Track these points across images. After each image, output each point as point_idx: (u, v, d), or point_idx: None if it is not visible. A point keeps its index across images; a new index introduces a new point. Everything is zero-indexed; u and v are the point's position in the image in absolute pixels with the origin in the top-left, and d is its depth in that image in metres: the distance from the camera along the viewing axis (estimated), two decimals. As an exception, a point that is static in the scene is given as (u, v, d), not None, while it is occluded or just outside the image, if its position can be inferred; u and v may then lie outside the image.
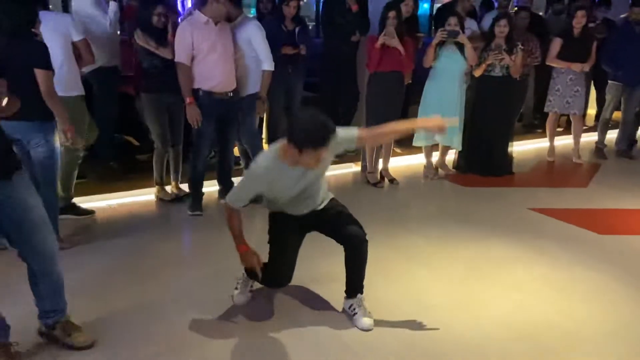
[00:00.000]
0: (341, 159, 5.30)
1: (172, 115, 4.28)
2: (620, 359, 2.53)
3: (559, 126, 6.28)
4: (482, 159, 5.30)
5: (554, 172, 5.75)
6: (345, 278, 2.78)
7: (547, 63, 5.65)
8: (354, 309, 2.75)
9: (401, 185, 5.12)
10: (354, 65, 5.62)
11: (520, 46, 5.05)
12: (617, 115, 6.15)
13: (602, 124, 6.17)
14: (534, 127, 6.91)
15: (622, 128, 6.13)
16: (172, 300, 2.96)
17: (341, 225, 2.72)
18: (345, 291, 2.79)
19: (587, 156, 6.08)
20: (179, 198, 4.47)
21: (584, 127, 6.20)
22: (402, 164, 5.73)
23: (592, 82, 6.65)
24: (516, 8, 6.61)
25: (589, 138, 6.41)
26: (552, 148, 6.02)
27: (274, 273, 2.77)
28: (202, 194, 4.31)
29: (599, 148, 6.16)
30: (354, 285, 2.77)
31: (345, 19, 5.40)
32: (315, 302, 2.96)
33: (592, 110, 7.13)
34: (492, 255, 3.61)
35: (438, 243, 3.78)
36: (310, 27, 6.45)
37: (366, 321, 2.71)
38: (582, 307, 2.96)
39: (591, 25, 5.89)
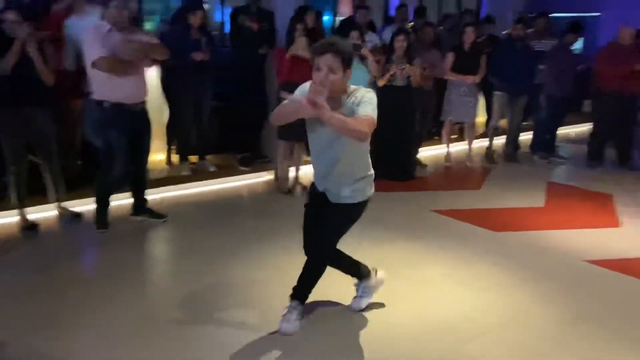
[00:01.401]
0: (252, 168, 5.34)
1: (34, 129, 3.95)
2: (521, 342, 2.79)
3: (453, 133, 6.78)
4: (389, 165, 5.58)
5: (451, 176, 6.19)
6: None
7: (442, 76, 6.10)
8: (287, 311, 2.81)
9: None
10: (262, 76, 5.68)
11: (417, 59, 5.43)
12: (504, 122, 6.77)
13: (491, 131, 6.75)
14: (432, 134, 7.39)
15: (508, 134, 6.76)
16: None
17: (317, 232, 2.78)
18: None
19: (480, 161, 6.62)
20: (74, 216, 4.22)
21: (476, 134, 6.76)
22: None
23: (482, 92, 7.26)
24: (412, 23, 7.07)
25: (481, 144, 6.98)
26: (448, 154, 6.50)
27: (304, 244, 2.85)
28: (108, 209, 4.12)
29: (489, 153, 6.73)
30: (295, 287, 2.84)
31: (252, 33, 5.45)
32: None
33: (482, 118, 7.77)
34: (401, 255, 3.82)
35: (351, 246, 3.92)
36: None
37: (286, 326, 2.77)
38: (484, 298, 3.23)
39: (479, 40, 6.44)
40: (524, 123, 6.96)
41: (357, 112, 2.42)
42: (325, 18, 8.30)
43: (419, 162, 6.35)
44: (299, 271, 2.82)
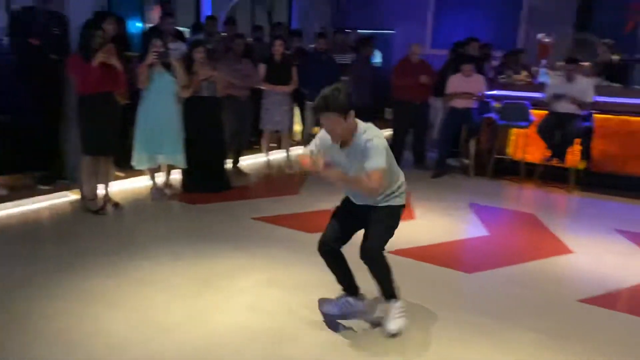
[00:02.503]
0: (54, 187, 4.83)
1: None
2: (337, 337, 2.96)
3: (273, 142, 6.98)
4: (203, 177, 5.50)
5: (271, 183, 6.36)
6: None
7: (256, 86, 6.24)
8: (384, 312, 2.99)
9: (127, 210, 4.93)
10: (56, 86, 5.14)
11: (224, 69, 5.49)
12: (317, 130, 7.16)
13: (305, 139, 7.10)
14: (252, 143, 7.51)
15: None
16: None
17: (365, 237, 2.94)
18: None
19: (298, 167, 6.90)
20: None
21: (293, 142, 7.05)
22: (126, 187, 5.53)
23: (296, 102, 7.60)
24: (224, 34, 7.10)
25: (299, 151, 7.29)
26: (268, 161, 6.67)
27: (323, 235, 3.03)
28: None
29: (306, 159, 7.05)
30: (382, 291, 3.02)
31: (43, 39, 4.92)
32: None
33: (299, 127, 8.13)
34: (224, 266, 3.79)
35: (171, 263, 3.79)
36: None
37: (392, 326, 2.92)
38: (305, 298, 3.34)
39: (288, 52, 6.73)
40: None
41: (366, 165, 2.70)
42: (139, 25, 7.92)
43: (240, 171, 6.41)
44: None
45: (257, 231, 4.55)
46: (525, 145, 6.68)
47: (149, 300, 3.24)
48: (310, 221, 4.85)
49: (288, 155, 6.72)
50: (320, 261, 3.87)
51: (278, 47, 6.19)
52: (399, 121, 7.12)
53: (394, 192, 2.94)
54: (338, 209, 3.14)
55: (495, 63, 8.25)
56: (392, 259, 3.96)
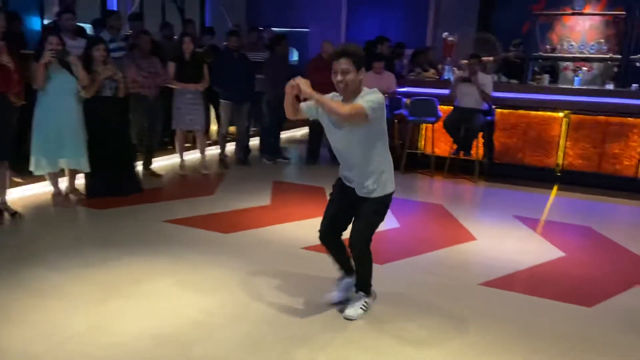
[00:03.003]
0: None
1: None
2: (247, 336, 2.94)
3: (187, 142, 6.81)
4: (110, 180, 5.27)
5: (186, 184, 6.20)
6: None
7: (165, 84, 6.06)
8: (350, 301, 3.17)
9: (27, 218, 4.64)
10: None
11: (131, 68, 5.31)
12: (233, 129, 7.09)
13: (220, 138, 7.00)
14: (165, 144, 7.29)
15: (238, 140, 7.10)
16: None
17: (353, 227, 3.03)
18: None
19: (214, 167, 6.80)
20: None
21: (208, 141, 6.92)
22: (26, 194, 5.20)
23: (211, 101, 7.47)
24: (129, 33, 6.84)
25: (215, 151, 7.19)
26: (182, 162, 6.50)
27: (320, 224, 3.12)
28: None
29: (222, 159, 6.97)
30: (357, 282, 3.18)
31: None
32: None
33: (214, 126, 8.00)
34: (131, 271, 3.65)
35: (74, 272, 3.59)
36: None
37: (351, 311, 3.10)
38: (212, 300, 3.31)
39: (199, 50, 6.59)
40: (253, 129, 7.43)
41: (354, 101, 2.83)
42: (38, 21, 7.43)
43: (152, 173, 6.20)
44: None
45: (168, 234, 4.43)
46: (435, 139, 6.99)
47: (49, 312, 3.06)
48: (225, 221, 4.79)
49: (203, 156, 6.59)
50: (230, 262, 3.87)
51: (187, 45, 6.05)
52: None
53: (384, 172, 2.97)
54: (332, 197, 3.19)
55: (406, 61, 8.57)
56: (304, 255, 4.06)
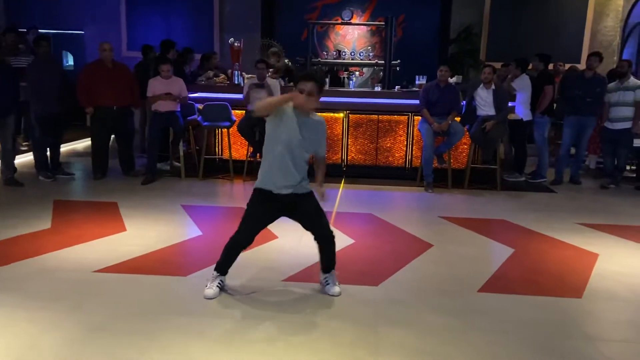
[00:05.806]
0: None
1: None
2: None
3: None
4: None
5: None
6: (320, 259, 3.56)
7: None
8: (327, 280, 3.59)
9: None
10: None
11: None
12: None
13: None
14: None
15: (2, 158, 6.15)
16: None
17: (317, 225, 3.46)
18: (321, 268, 3.61)
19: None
20: None
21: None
22: None
23: None
24: None
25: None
26: None
27: (240, 236, 3.44)
28: None
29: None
30: (328, 264, 3.58)
31: None
32: None
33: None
34: None
35: None
36: None
37: (336, 289, 3.56)
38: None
39: None
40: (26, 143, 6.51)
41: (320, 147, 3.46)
42: None
43: None
44: None
45: None
46: (231, 143, 7.04)
47: None
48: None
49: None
50: (9, 298, 3.33)
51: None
52: (98, 127, 6.65)
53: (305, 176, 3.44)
54: (253, 210, 3.42)
55: (195, 68, 8.47)
56: (98, 279, 3.70)
